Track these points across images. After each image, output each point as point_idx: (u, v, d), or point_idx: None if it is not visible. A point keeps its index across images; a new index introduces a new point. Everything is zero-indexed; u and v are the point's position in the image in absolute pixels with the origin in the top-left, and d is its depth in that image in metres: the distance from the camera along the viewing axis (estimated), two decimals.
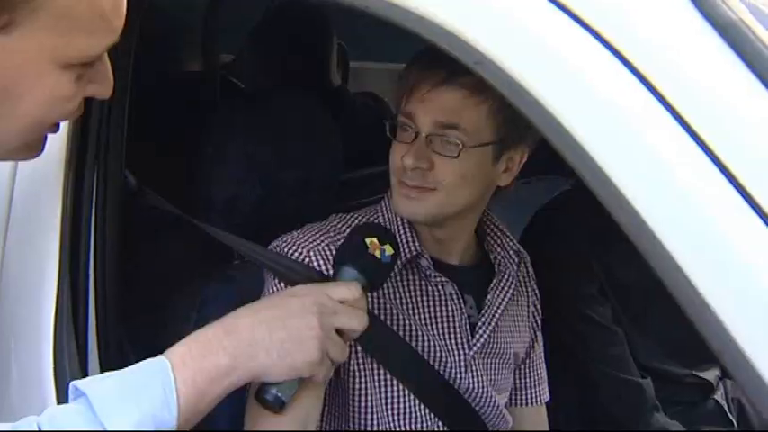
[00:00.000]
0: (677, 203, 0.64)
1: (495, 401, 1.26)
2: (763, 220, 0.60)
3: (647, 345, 1.71)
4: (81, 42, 0.78)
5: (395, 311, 1.18)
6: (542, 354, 1.43)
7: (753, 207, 0.60)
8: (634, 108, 0.67)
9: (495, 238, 1.31)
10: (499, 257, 1.30)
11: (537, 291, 1.41)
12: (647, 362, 1.71)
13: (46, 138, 0.90)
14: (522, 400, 1.40)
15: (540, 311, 1.41)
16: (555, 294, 1.48)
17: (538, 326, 1.40)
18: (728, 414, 1.78)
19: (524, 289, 1.37)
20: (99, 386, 0.81)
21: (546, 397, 1.43)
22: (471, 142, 1.11)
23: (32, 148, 0.89)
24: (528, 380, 1.40)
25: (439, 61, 1.08)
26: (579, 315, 1.64)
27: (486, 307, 1.26)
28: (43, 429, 0.76)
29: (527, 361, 1.39)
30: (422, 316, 1.21)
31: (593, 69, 0.69)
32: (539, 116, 0.71)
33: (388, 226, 1.21)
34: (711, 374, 1.78)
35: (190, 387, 0.82)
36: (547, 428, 1.44)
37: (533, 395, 1.41)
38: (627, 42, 0.68)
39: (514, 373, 1.37)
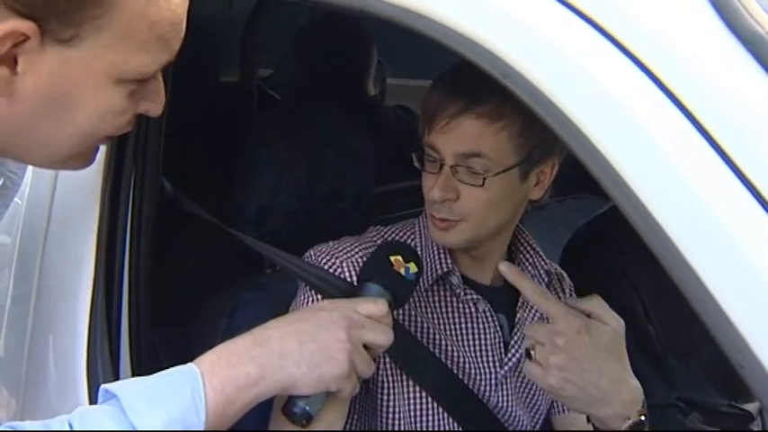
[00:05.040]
0: (698, 215, 0.64)
1: (523, 421, 1.25)
2: None
3: (684, 371, 1.67)
4: (137, 61, 0.82)
5: (426, 325, 1.19)
6: None
7: None
8: (660, 122, 0.67)
9: (528, 256, 1.30)
10: (528, 276, 1.29)
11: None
12: (684, 389, 1.66)
13: (97, 149, 0.94)
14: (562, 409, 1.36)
15: None
16: None
17: None
18: None
19: None
20: (129, 388, 0.82)
21: None
22: (496, 168, 1.10)
23: (83, 158, 0.92)
24: None
25: (457, 88, 1.08)
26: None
27: (518, 326, 1.25)
28: (74, 427, 0.78)
29: None
30: (454, 332, 1.21)
31: (619, 82, 0.69)
32: (564, 129, 0.71)
33: (423, 242, 1.21)
34: (752, 406, 1.70)
35: (218, 393, 0.83)
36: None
37: None
38: (654, 57, 0.68)
39: None
